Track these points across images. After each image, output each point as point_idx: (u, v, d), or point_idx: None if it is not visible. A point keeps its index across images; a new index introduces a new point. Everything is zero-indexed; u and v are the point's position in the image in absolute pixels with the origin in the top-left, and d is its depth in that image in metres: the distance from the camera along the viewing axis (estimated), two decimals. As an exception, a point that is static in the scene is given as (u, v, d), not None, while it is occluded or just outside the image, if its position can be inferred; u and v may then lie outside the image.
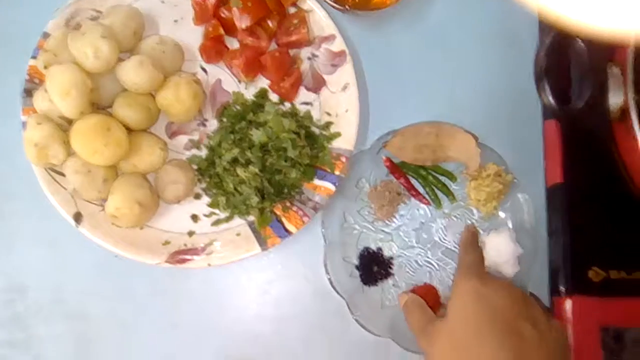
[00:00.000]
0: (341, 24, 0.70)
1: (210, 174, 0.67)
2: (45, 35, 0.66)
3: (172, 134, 0.69)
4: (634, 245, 0.62)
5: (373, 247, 0.68)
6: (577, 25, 0.41)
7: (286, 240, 0.65)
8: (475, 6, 0.73)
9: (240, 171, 0.64)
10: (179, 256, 0.65)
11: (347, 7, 0.67)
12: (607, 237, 0.63)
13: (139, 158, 0.65)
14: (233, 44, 0.70)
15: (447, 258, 0.68)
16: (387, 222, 0.69)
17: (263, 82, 0.70)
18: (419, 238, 0.69)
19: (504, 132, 0.70)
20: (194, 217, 0.68)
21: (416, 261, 0.68)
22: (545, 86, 0.59)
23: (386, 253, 0.68)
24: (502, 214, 0.68)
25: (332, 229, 0.67)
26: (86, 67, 0.61)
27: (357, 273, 0.68)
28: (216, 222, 0.67)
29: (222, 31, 0.68)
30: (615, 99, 0.57)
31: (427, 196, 0.69)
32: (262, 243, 0.65)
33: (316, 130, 0.68)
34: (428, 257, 0.68)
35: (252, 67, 0.68)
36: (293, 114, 0.68)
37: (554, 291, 0.65)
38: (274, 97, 0.69)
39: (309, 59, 0.70)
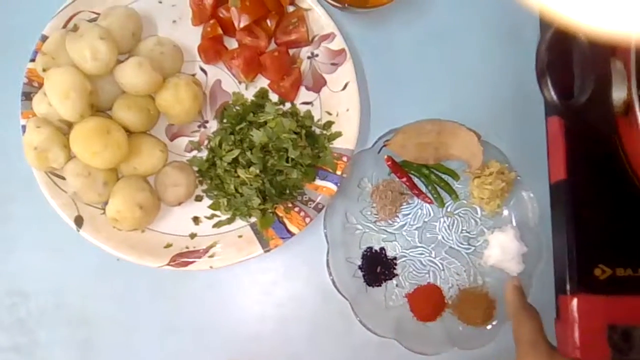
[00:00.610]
0: (340, 22, 0.69)
1: (211, 176, 0.67)
2: (44, 38, 0.65)
3: (172, 136, 0.69)
4: (640, 242, 0.62)
5: (376, 247, 0.68)
6: (578, 24, 0.40)
7: (288, 242, 0.65)
8: (475, 2, 0.72)
9: (241, 172, 0.64)
10: (181, 259, 0.65)
11: (345, 4, 0.66)
12: (613, 233, 0.62)
13: (139, 160, 0.64)
14: (232, 44, 0.70)
15: (451, 257, 0.68)
16: (389, 221, 0.68)
17: (263, 82, 0.69)
18: (422, 237, 0.68)
19: (506, 129, 0.69)
20: (196, 220, 0.67)
21: (420, 261, 0.68)
22: (547, 81, 0.58)
23: (389, 253, 0.68)
24: (505, 212, 0.68)
25: (334, 230, 0.67)
26: (85, 69, 0.61)
27: (360, 273, 0.67)
28: (218, 224, 0.67)
29: (220, 31, 0.68)
30: (618, 94, 0.56)
31: (429, 195, 0.68)
32: (265, 244, 0.65)
33: (317, 130, 0.68)
34: (432, 257, 0.68)
35: (252, 67, 0.67)
36: (293, 114, 0.67)
37: (559, 289, 0.64)
38: (274, 97, 0.69)
39: (309, 58, 0.69)
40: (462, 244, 0.68)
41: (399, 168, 0.68)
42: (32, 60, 0.65)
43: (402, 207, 0.68)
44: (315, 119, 0.68)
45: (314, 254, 0.68)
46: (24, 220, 0.69)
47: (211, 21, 0.68)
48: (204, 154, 0.68)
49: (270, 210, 0.66)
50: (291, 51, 0.69)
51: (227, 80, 0.69)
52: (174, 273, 0.66)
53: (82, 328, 0.68)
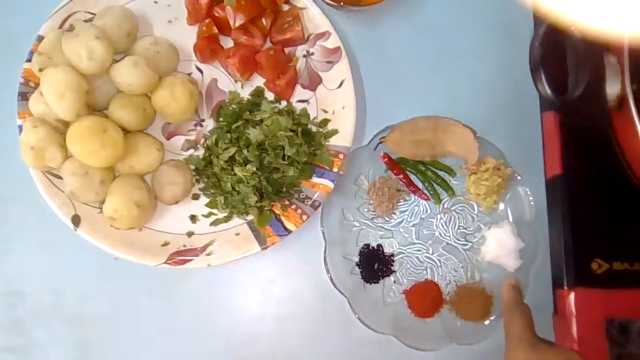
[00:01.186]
0: (335, 21, 0.69)
1: (207, 174, 0.67)
2: (40, 38, 0.65)
3: (169, 135, 0.69)
4: (636, 235, 0.62)
5: (373, 244, 0.68)
6: (571, 20, 0.40)
7: (286, 239, 0.65)
8: (470, -1, 0.72)
9: (237, 170, 0.64)
10: (179, 257, 0.65)
11: (341, 3, 0.67)
12: (609, 227, 0.62)
13: (136, 159, 0.64)
14: (227, 43, 0.70)
15: (448, 253, 0.68)
16: (386, 218, 0.68)
17: (259, 81, 0.69)
18: (420, 234, 0.68)
19: (502, 125, 0.70)
20: (193, 218, 0.67)
21: (417, 257, 0.68)
22: (541, 76, 0.59)
23: (387, 250, 0.68)
24: (502, 208, 0.68)
25: (331, 227, 0.67)
26: (81, 68, 0.61)
27: (357, 270, 0.67)
28: (215, 222, 0.67)
29: (216, 30, 0.68)
30: (612, 88, 0.56)
31: (426, 192, 0.68)
32: (262, 242, 0.65)
33: (313, 128, 0.68)
34: (429, 253, 0.68)
35: (247, 65, 0.68)
36: (289, 112, 0.67)
37: (556, 284, 0.64)
38: (269, 95, 0.69)
39: (304, 56, 0.70)
40: (459, 240, 0.68)
41: (396, 165, 0.68)
42: (29, 60, 0.65)
43: (399, 203, 0.68)
44: (312, 117, 0.68)
45: (311, 251, 0.68)
46: (20, 219, 0.69)
47: (206, 20, 0.68)
48: (201, 152, 0.68)
49: (267, 208, 0.66)
50: (287, 50, 0.69)
51: (223, 79, 0.70)
52: (171, 272, 0.66)
53: (79, 328, 0.68)
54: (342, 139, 0.67)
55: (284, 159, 0.64)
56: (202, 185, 0.68)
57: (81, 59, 0.61)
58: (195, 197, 0.68)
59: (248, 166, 0.64)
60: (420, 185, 0.69)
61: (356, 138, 0.67)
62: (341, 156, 0.66)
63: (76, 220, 0.65)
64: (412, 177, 0.69)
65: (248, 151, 0.64)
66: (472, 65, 0.71)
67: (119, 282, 0.68)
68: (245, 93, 0.69)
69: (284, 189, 0.66)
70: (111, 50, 0.62)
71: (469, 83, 0.71)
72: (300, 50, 0.70)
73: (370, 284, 0.67)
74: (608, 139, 0.61)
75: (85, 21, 0.66)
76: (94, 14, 0.67)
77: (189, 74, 0.69)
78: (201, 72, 0.70)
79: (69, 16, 0.67)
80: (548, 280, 0.66)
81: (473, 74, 0.71)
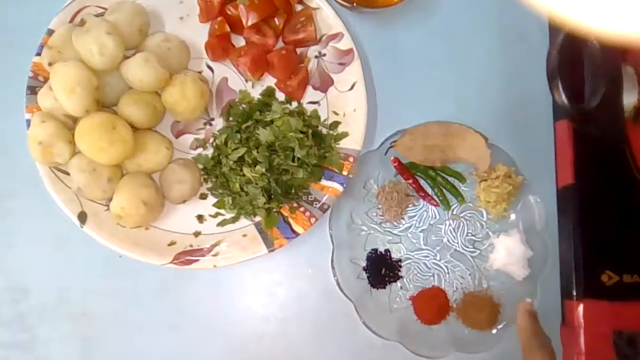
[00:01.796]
0: (348, 22, 0.69)
1: (216, 174, 0.66)
2: (50, 32, 0.65)
3: (178, 133, 0.68)
4: (647, 248, 0.61)
5: (381, 248, 0.67)
6: (587, 28, 0.40)
7: (293, 242, 0.64)
8: (484, 3, 0.72)
9: (246, 171, 0.63)
10: (185, 257, 0.64)
11: (354, 4, 0.66)
12: (620, 239, 0.62)
13: (145, 157, 0.64)
14: (239, 41, 0.69)
15: (456, 260, 0.67)
16: (395, 223, 0.68)
17: (270, 81, 0.69)
18: (428, 240, 0.68)
19: (514, 132, 0.69)
20: (200, 218, 0.67)
21: (425, 263, 0.67)
22: (558, 84, 0.58)
23: (394, 255, 0.67)
24: (512, 216, 0.67)
25: (339, 230, 0.66)
26: (91, 64, 0.60)
27: (364, 275, 0.67)
28: (222, 223, 0.66)
29: (228, 29, 0.67)
30: (629, 99, 0.56)
31: (435, 197, 0.68)
32: (269, 244, 0.64)
33: (324, 130, 0.67)
34: (437, 260, 0.67)
35: (259, 65, 0.67)
36: (300, 113, 0.67)
37: (565, 294, 0.64)
38: (280, 96, 0.69)
39: (316, 57, 0.69)
40: (467, 247, 0.67)
41: (406, 170, 0.67)
42: (38, 54, 0.65)
43: (408, 209, 0.68)
44: (322, 119, 0.68)
45: (318, 254, 0.67)
46: (26, 215, 0.69)
47: (219, 18, 0.67)
48: (210, 151, 0.67)
49: (275, 210, 0.65)
50: (299, 50, 0.69)
51: (233, 78, 0.69)
52: (177, 271, 0.66)
53: (83, 325, 0.68)
54: (352, 142, 0.66)
55: (293, 161, 0.64)
56: (210, 184, 0.67)
57: (92, 54, 0.60)
58: (203, 196, 0.67)
59: (257, 167, 0.63)
60: (429, 190, 0.68)
61: (366, 141, 0.67)
62: (351, 159, 0.65)
63: (82, 217, 0.64)
64: (422, 182, 0.68)
65: (258, 152, 0.63)
66: (485, 71, 0.71)
67: (123, 279, 0.68)
68: (255, 93, 0.68)
69: (293, 191, 0.65)
70: (122, 46, 0.61)
71: (481, 89, 0.70)
72: (313, 51, 0.69)
73: (377, 289, 0.67)
74: (621, 150, 0.61)
75: (97, 16, 0.66)
76: (105, 9, 0.67)
77: (200, 72, 0.68)
78: (212, 70, 0.69)
79: (80, 10, 0.67)
80: (556, 291, 0.65)
81: (485, 79, 0.70)
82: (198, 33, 0.68)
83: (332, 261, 0.65)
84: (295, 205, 0.65)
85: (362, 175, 0.68)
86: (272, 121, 0.65)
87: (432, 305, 0.66)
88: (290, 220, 0.65)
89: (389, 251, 0.67)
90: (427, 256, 0.67)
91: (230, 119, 0.67)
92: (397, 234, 0.68)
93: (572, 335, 0.60)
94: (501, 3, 0.71)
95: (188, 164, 0.66)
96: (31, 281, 0.68)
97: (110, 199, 0.63)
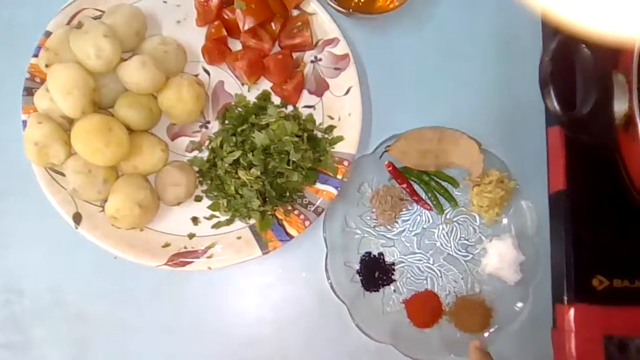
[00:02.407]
0: (344, 27, 0.69)
1: (211, 176, 0.66)
2: (47, 34, 0.65)
3: (174, 136, 0.69)
4: (637, 253, 0.62)
5: (375, 252, 0.68)
6: (581, 28, 0.40)
7: (287, 244, 0.65)
8: (479, 10, 0.72)
9: (241, 174, 0.64)
10: (179, 259, 0.64)
11: (350, 10, 0.67)
12: (611, 245, 0.62)
13: (140, 159, 0.64)
14: (236, 45, 0.70)
15: (449, 264, 0.68)
16: (388, 227, 0.68)
17: (265, 85, 0.69)
18: (421, 244, 0.68)
19: (507, 138, 0.70)
20: (195, 220, 0.67)
21: (418, 267, 0.68)
22: (550, 91, 0.59)
23: (388, 258, 0.68)
24: (504, 221, 0.68)
25: (333, 234, 0.67)
26: (88, 66, 0.61)
27: (358, 278, 0.67)
28: (217, 225, 0.67)
29: (224, 32, 0.68)
30: (620, 106, 0.56)
31: (429, 202, 0.68)
32: (263, 246, 0.64)
33: (319, 134, 0.68)
34: (430, 264, 0.68)
35: (255, 69, 0.67)
36: (295, 117, 0.67)
37: (556, 299, 0.64)
38: (276, 99, 0.69)
39: (312, 62, 0.69)
40: (460, 251, 0.68)
41: (400, 174, 0.68)
42: (35, 55, 0.65)
43: (402, 213, 0.68)
44: (317, 123, 0.68)
45: (312, 257, 0.67)
46: (20, 215, 0.69)
47: (216, 22, 0.68)
48: (205, 154, 0.68)
49: (269, 213, 0.65)
50: (295, 55, 0.69)
51: (229, 82, 0.69)
52: (171, 273, 0.66)
53: (77, 326, 0.68)
54: (347, 146, 0.67)
55: (288, 164, 0.64)
56: (205, 187, 0.67)
57: (89, 57, 0.60)
58: (198, 199, 0.67)
59: (252, 170, 0.63)
60: (423, 195, 0.69)
61: (361, 145, 0.67)
62: (346, 163, 0.66)
63: (77, 218, 0.64)
64: (416, 186, 0.69)
65: (253, 155, 0.63)
66: (478, 77, 0.71)
67: (118, 281, 0.68)
68: (251, 96, 0.69)
69: (288, 194, 0.66)
70: (119, 48, 0.62)
71: (475, 94, 0.71)
72: (308, 55, 0.70)
73: (370, 292, 0.67)
74: (613, 157, 0.61)
75: (94, 18, 0.66)
76: (102, 12, 0.67)
77: (196, 75, 0.69)
78: (208, 73, 0.69)
79: (77, 12, 0.67)
80: (548, 295, 0.66)
81: (479, 85, 0.71)
82: (195, 36, 0.69)
83: (325, 264, 0.66)
84: (289, 208, 0.66)
85: (356, 179, 0.68)
86: (267, 125, 0.65)
87: (424, 309, 0.66)
88: (285, 223, 0.65)
89: (382, 255, 0.68)
90: (421, 260, 0.68)
91: (226, 122, 0.68)
92: (390, 238, 0.68)
93: (563, 340, 0.61)
94: (495, 11, 0.72)
95: (183, 167, 0.66)
96: (25, 282, 0.68)
97: (106, 201, 0.63)
